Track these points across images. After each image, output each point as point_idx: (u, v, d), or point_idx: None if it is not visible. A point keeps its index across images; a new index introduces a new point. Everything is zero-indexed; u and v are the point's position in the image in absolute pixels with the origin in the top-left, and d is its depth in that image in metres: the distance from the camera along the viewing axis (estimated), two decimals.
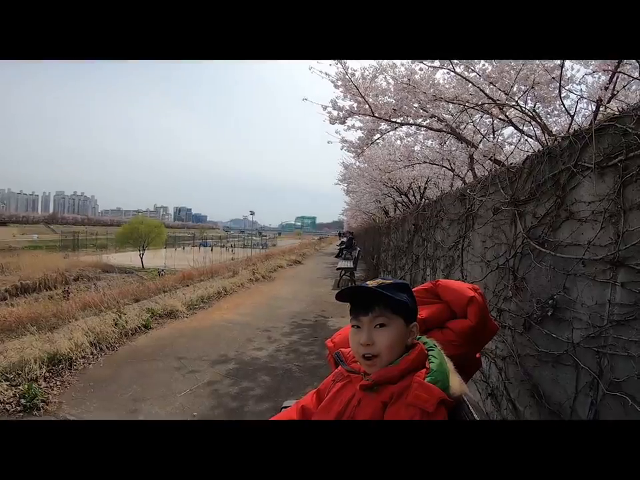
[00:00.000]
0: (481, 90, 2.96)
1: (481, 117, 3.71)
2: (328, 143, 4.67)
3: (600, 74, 2.64)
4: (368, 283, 1.35)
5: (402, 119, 3.81)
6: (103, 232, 76.39)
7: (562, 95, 2.62)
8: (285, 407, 2.39)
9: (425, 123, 3.90)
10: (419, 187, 7.38)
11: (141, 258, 34.47)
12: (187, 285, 9.57)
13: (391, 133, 4.67)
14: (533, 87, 2.78)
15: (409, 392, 1.20)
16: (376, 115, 3.67)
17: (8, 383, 4.01)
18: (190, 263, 15.80)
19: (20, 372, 4.21)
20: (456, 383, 1.28)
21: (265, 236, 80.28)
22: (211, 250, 38.90)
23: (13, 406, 3.72)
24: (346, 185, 11.65)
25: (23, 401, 3.76)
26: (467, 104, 3.17)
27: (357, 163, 8.24)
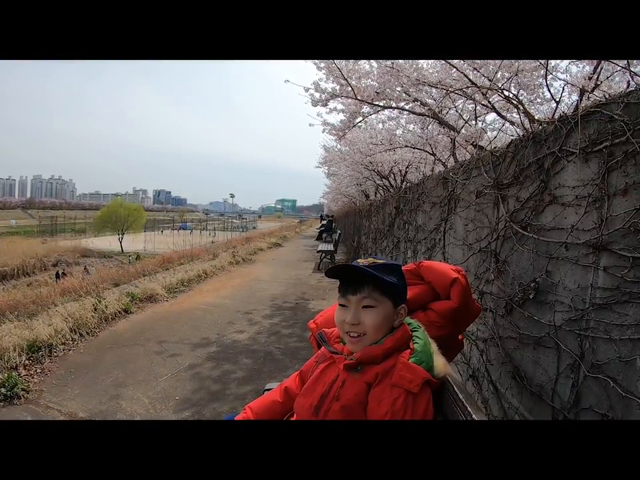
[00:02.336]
0: (464, 75, 2.94)
1: (464, 102, 3.70)
2: (310, 125, 4.61)
3: (585, 63, 2.65)
4: (359, 260, 1.34)
5: (384, 102, 3.77)
6: (82, 216, 75.14)
7: (547, 82, 2.63)
8: (268, 389, 2.40)
9: (407, 107, 3.87)
10: (400, 170, 7.38)
11: (120, 242, 34.01)
12: (167, 269, 9.52)
13: (373, 116, 4.64)
14: (517, 74, 2.77)
15: (394, 372, 1.22)
16: (358, 97, 3.62)
17: None
18: (169, 246, 15.60)
19: None
20: (440, 363, 1.29)
21: (245, 219, 79.74)
22: (191, 233, 38.51)
23: None
24: (327, 168, 11.60)
25: (2, 390, 3.69)
26: (450, 89, 3.16)
27: (339, 146, 8.20)
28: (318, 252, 11.91)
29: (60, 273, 18.00)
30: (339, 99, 3.87)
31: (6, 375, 3.83)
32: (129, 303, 6.34)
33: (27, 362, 4.29)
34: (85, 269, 17.96)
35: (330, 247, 12.06)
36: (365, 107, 3.92)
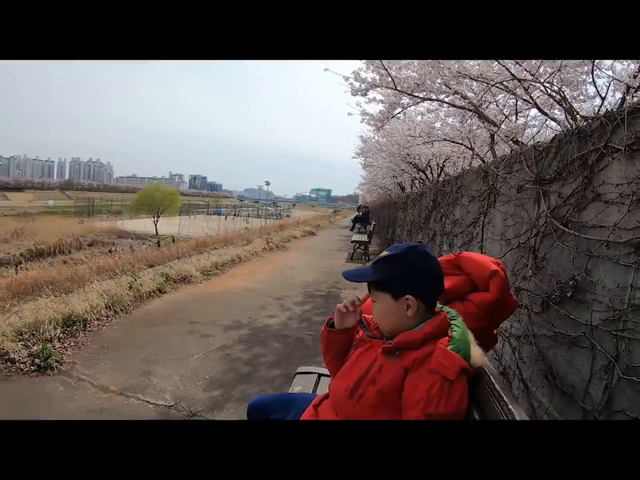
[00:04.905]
0: (506, 69, 2.87)
1: (505, 96, 3.62)
2: (348, 114, 4.61)
3: (629, 62, 2.55)
4: (382, 253, 1.43)
5: (424, 94, 3.73)
6: (118, 198, 76.82)
7: (591, 79, 2.55)
8: (300, 373, 2.46)
9: (447, 100, 3.82)
10: (438, 164, 7.29)
11: (155, 225, 34.69)
12: (201, 253, 9.62)
13: (412, 108, 4.58)
14: (560, 70, 2.69)
15: (431, 359, 1.24)
16: (398, 88, 3.60)
17: (22, 343, 4.10)
18: (204, 230, 15.89)
19: (35, 332, 4.29)
20: (477, 353, 1.31)
21: (280, 207, 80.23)
22: (225, 218, 39.01)
23: (27, 365, 3.81)
24: (363, 158, 11.53)
25: (37, 360, 3.84)
26: (491, 82, 3.10)
27: (376, 137, 8.13)
28: (352, 242, 11.91)
29: (111, 250, 18.68)
30: (379, 89, 3.86)
31: (40, 346, 3.98)
32: (163, 283, 6.48)
33: (61, 335, 4.41)
34: (109, 251, 18.56)
35: (364, 238, 12.04)
36: (404, 98, 3.89)
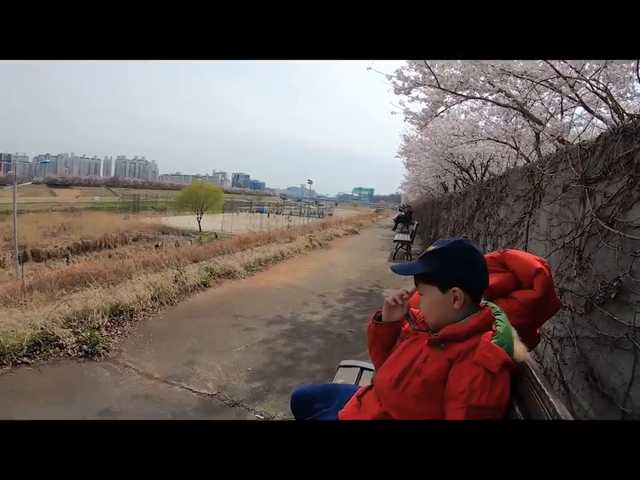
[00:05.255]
0: (551, 66, 2.81)
1: (550, 94, 3.52)
2: (392, 113, 4.62)
3: None
4: (429, 248, 1.48)
5: (468, 92, 3.70)
6: (163, 195, 78.87)
7: (637, 76, 2.46)
8: (343, 366, 2.52)
9: (491, 98, 3.77)
10: (482, 163, 7.15)
11: (199, 221, 35.46)
12: (243, 250, 9.76)
13: (456, 106, 4.54)
14: (605, 66, 2.61)
15: (475, 351, 1.26)
16: (441, 86, 3.58)
17: (71, 329, 4.27)
18: (246, 228, 16.17)
19: (83, 320, 4.44)
20: (520, 348, 1.33)
21: (322, 205, 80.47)
22: (268, 216, 39.48)
23: (75, 351, 3.98)
24: (406, 158, 11.43)
25: (85, 347, 3.97)
26: (535, 80, 3.04)
27: (419, 136, 8.07)
28: (394, 242, 11.84)
29: (158, 244, 19.38)
30: (422, 87, 3.85)
31: (88, 333, 4.17)
32: (207, 277, 6.64)
33: (108, 324, 4.57)
34: (156, 245, 19.15)
35: (406, 238, 11.95)
36: (447, 96, 3.86)
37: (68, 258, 22.47)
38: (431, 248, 1.45)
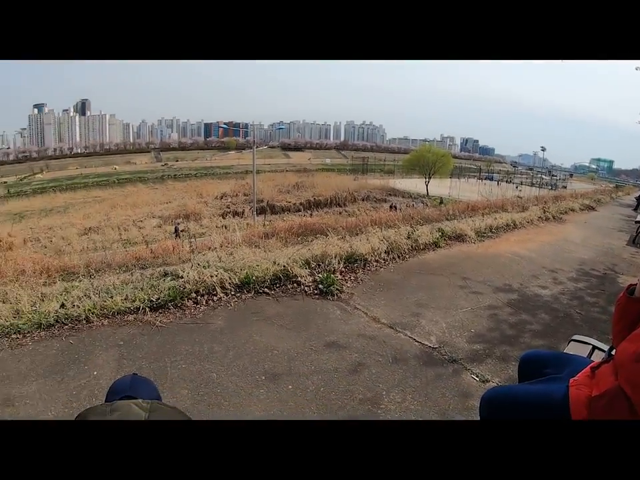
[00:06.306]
0: None
1: None
2: (636, 69, 3.81)
3: None
4: None
5: None
6: (391, 159, 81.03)
7: None
8: (575, 340, 2.39)
9: None
10: None
11: (426, 185, 35.65)
12: (471, 216, 9.70)
13: None
14: None
15: None
16: None
17: (309, 271, 4.93)
18: (474, 194, 15.71)
19: (320, 263, 5.13)
20: None
21: (555, 176, 71.32)
22: (498, 185, 37.39)
23: (311, 289, 4.62)
24: None
25: (320, 286, 4.60)
26: None
27: None
28: (636, 223, 10.04)
29: (392, 205, 20.40)
30: None
31: (325, 275, 4.76)
32: (438, 238, 6.87)
33: (343, 269, 5.15)
34: (391, 206, 19.85)
35: None
36: None
37: (300, 212, 25.47)
38: None
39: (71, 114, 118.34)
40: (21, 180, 78.57)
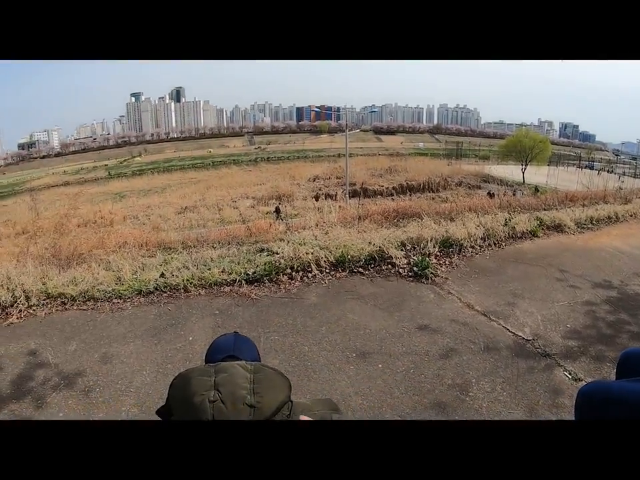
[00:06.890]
0: None
1: None
2: None
3: None
4: None
5: None
6: (486, 143, 77.38)
7: None
8: None
9: None
10: None
11: (523, 172, 33.62)
12: (569, 207, 9.15)
13: None
14: None
15: None
16: None
17: (404, 252, 5.02)
18: (573, 184, 14.59)
19: (415, 246, 5.21)
20: None
21: None
22: (599, 174, 34.32)
23: (405, 271, 4.71)
24: None
25: (415, 269, 4.66)
26: None
27: None
28: None
29: (490, 192, 19.72)
30: None
31: (419, 257, 4.83)
32: (536, 227, 6.69)
33: (438, 253, 5.20)
34: (488, 193, 19.04)
35: None
36: None
37: (392, 196, 25.14)
38: None
39: (167, 101, 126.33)
40: (120, 163, 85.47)
